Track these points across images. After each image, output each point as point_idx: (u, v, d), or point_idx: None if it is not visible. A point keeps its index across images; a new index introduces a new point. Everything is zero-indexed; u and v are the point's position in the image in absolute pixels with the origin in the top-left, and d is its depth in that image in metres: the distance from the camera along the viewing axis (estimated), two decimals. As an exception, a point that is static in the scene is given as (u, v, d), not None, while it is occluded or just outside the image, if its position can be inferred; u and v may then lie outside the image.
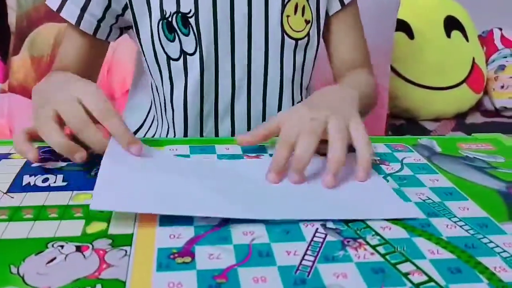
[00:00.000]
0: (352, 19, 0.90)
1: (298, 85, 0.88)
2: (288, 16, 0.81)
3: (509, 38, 1.83)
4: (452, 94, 1.66)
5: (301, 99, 0.89)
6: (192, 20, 0.77)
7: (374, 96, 0.91)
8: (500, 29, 1.87)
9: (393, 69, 1.60)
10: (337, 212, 0.53)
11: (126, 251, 0.45)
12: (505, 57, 1.77)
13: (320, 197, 0.56)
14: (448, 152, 0.70)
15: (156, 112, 0.89)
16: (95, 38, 0.82)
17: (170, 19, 0.77)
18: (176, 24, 0.78)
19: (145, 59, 0.83)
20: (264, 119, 0.86)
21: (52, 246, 0.45)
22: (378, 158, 0.66)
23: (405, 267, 0.44)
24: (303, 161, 0.57)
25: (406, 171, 0.63)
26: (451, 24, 1.70)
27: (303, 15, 0.82)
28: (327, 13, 0.86)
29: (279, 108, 0.86)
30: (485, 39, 1.86)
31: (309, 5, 0.82)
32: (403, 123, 1.67)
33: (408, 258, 0.46)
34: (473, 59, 1.72)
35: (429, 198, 0.57)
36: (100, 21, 0.80)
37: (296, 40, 0.83)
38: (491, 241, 0.49)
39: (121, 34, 0.86)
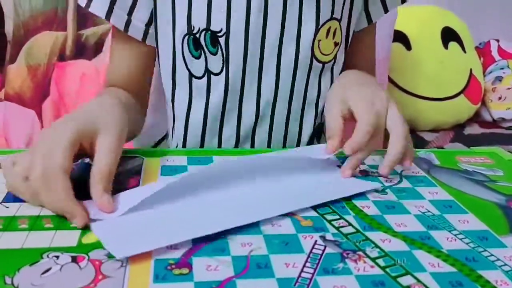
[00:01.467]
0: (373, 35, 0.90)
1: (320, 109, 0.83)
2: (319, 40, 0.77)
3: (506, 50, 1.84)
4: (450, 105, 1.66)
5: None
6: (222, 40, 0.73)
7: None
8: (497, 40, 1.87)
9: (390, 80, 1.60)
10: (308, 200, 0.56)
11: (122, 262, 0.44)
12: (502, 68, 1.78)
13: (290, 190, 0.59)
14: (447, 165, 0.70)
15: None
16: (144, 44, 0.78)
17: (198, 35, 0.73)
18: (204, 42, 0.73)
19: (160, 73, 0.80)
20: (284, 145, 0.83)
21: (47, 256, 0.44)
22: (377, 171, 0.66)
23: (405, 280, 0.44)
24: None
25: (405, 184, 0.63)
26: (449, 35, 1.70)
27: (333, 38, 0.78)
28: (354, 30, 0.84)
29: (299, 136, 0.83)
30: (482, 50, 1.86)
31: (340, 27, 0.79)
32: (401, 134, 1.67)
33: (409, 271, 0.45)
34: (471, 70, 1.72)
35: (429, 211, 0.56)
36: (148, 25, 0.76)
37: (323, 63, 0.79)
38: (491, 255, 0.49)
39: None
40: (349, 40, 0.83)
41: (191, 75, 0.76)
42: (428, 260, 0.47)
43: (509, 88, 1.72)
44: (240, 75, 0.76)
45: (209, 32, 0.73)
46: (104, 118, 0.59)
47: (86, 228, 0.49)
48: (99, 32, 1.36)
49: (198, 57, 0.75)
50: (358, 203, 0.57)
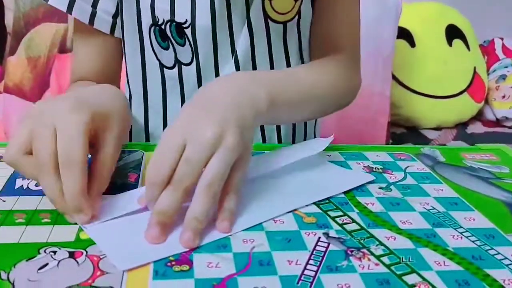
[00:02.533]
0: None
1: None
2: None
3: (511, 48, 1.83)
4: (453, 103, 1.65)
5: None
6: (188, 31, 0.70)
7: (337, 93, 0.74)
8: (502, 38, 1.87)
9: (394, 77, 1.59)
10: (310, 197, 0.55)
11: (121, 258, 0.43)
12: (506, 67, 1.77)
13: (288, 189, 0.57)
14: (452, 162, 0.69)
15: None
16: (111, 37, 0.75)
17: (163, 26, 0.71)
18: (170, 33, 0.71)
19: (126, 66, 0.78)
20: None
21: (44, 251, 0.43)
22: (381, 167, 0.65)
23: (411, 279, 0.43)
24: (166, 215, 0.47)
25: (410, 180, 0.62)
26: (453, 33, 1.69)
27: None
28: None
29: None
30: (487, 48, 1.85)
31: None
32: (404, 132, 1.67)
33: (414, 269, 0.44)
34: (474, 68, 1.71)
35: (434, 208, 0.55)
36: (115, 16, 0.73)
37: (284, 23, 0.74)
38: (498, 253, 0.48)
39: None
40: None
41: (162, 65, 0.75)
42: (434, 258, 0.46)
43: (512, 87, 1.72)
44: (212, 64, 0.73)
45: (174, 23, 0.70)
46: (114, 108, 0.53)
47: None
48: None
49: (166, 48, 0.73)
50: (362, 199, 0.56)
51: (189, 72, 0.74)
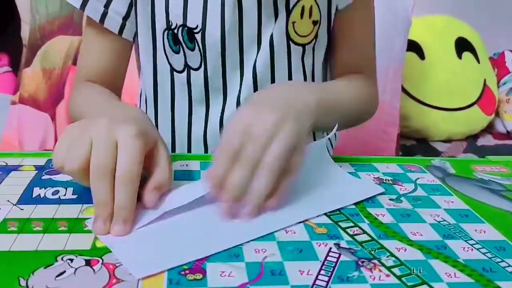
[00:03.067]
0: (363, 12, 0.81)
1: None
2: (294, 22, 0.75)
3: (521, 61, 1.83)
4: (463, 116, 1.65)
5: None
6: (198, 36, 0.74)
7: (363, 108, 0.83)
8: (512, 51, 1.86)
9: (403, 90, 1.59)
10: (321, 208, 0.56)
11: (136, 266, 0.44)
12: (517, 79, 1.77)
13: (300, 200, 0.57)
14: (462, 174, 0.69)
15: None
16: (120, 38, 0.77)
17: (176, 31, 0.74)
18: (181, 38, 0.74)
19: (140, 69, 0.80)
20: None
21: (62, 259, 0.44)
22: (391, 178, 0.65)
23: (422, 290, 0.43)
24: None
25: (420, 192, 0.62)
26: (462, 46, 1.69)
27: (310, 16, 0.76)
28: (336, 7, 0.79)
29: None
30: (497, 61, 1.85)
31: (317, 3, 0.75)
32: (414, 144, 1.66)
33: (425, 281, 0.44)
34: (484, 80, 1.71)
35: (444, 220, 0.56)
36: (125, 18, 0.76)
37: (303, 45, 0.78)
38: (509, 265, 0.48)
39: None
40: (331, 17, 0.79)
41: (172, 69, 0.77)
42: (444, 270, 0.46)
43: (523, 99, 1.71)
44: (220, 70, 0.76)
45: (186, 28, 0.73)
46: (156, 130, 0.59)
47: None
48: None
49: (177, 52, 0.76)
50: (372, 210, 0.57)
51: (197, 77, 0.77)
